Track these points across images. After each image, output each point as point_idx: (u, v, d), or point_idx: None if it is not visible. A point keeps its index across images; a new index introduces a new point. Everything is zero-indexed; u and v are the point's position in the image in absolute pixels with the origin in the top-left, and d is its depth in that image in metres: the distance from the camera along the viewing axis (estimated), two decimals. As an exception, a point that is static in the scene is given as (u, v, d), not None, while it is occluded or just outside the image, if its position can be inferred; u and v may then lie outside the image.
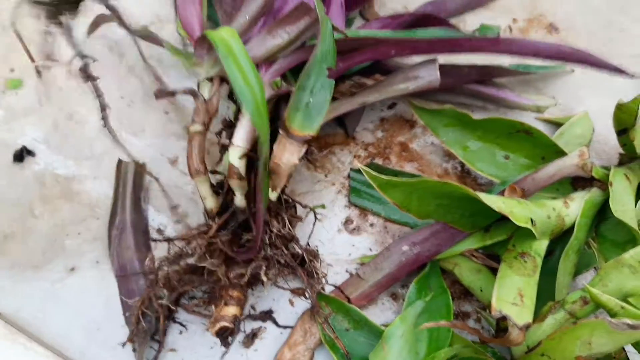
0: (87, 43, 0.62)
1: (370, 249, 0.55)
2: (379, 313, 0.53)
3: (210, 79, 0.49)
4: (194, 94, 0.48)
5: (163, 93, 0.50)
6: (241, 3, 0.50)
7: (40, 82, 0.59)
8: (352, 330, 0.50)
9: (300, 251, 0.51)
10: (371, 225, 0.56)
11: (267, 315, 0.51)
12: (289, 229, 0.49)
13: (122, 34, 0.62)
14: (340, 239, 0.55)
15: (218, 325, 0.46)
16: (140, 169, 0.54)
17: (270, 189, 0.49)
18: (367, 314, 0.51)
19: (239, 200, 0.48)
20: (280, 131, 0.48)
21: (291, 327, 0.51)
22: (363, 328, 0.50)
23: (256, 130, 0.46)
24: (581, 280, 0.54)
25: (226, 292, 0.47)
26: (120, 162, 0.52)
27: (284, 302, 0.52)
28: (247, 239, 0.49)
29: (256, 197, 0.46)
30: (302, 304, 0.52)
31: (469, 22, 0.67)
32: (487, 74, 0.60)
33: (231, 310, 0.47)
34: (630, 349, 0.45)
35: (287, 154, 0.48)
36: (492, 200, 0.44)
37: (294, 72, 0.51)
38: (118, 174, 0.53)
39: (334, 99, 0.51)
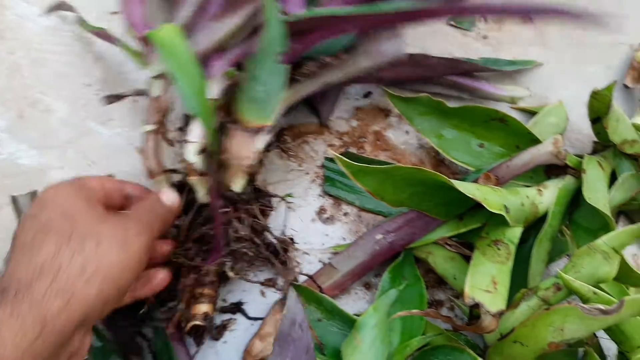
0: (56, 30, 0.60)
1: (344, 238, 0.54)
2: (352, 303, 0.52)
3: (160, 76, 0.47)
4: (142, 93, 0.47)
5: (112, 98, 0.49)
6: None
7: (3, 69, 0.57)
8: (324, 320, 0.49)
9: (273, 241, 0.50)
10: (345, 214, 0.55)
11: (237, 307, 0.50)
12: (257, 219, 0.48)
13: (90, 21, 0.60)
14: (313, 228, 0.55)
15: (190, 325, 0.45)
16: (35, 197, 0.51)
17: (233, 182, 0.48)
18: (340, 304, 0.50)
19: (202, 196, 0.47)
20: (229, 125, 0.47)
21: (262, 319, 0.50)
22: (336, 318, 0.49)
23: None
24: (555, 268, 0.53)
25: (197, 290, 0.46)
26: (14, 198, 0.49)
27: (255, 293, 0.51)
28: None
29: (211, 194, 0.46)
30: (274, 295, 0.51)
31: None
32: (456, 67, 0.59)
33: (202, 307, 0.46)
34: (602, 334, 0.45)
35: (240, 147, 0.47)
36: (466, 188, 0.43)
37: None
38: (17, 210, 0.49)
39: (296, 80, 0.49)
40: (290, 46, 0.47)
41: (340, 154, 0.52)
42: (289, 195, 0.54)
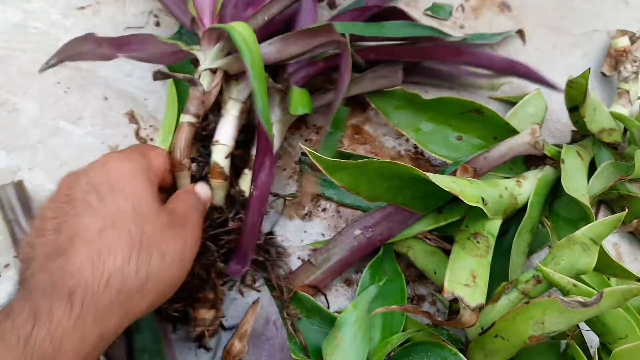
0: (22, 27, 0.58)
1: (323, 234, 0.54)
2: (333, 300, 0.51)
3: (214, 71, 0.46)
4: (193, 82, 0.46)
5: (162, 75, 0.47)
6: (260, 2, 0.49)
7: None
8: (305, 319, 0.49)
9: (270, 248, 0.51)
10: (324, 210, 0.55)
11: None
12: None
13: (56, 18, 0.59)
14: (291, 225, 0.54)
15: (197, 331, 0.45)
16: (19, 187, 0.50)
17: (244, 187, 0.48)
18: (321, 301, 0.50)
19: (219, 199, 0.46)
20: None
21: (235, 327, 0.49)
22: (316, 316, 0.49)
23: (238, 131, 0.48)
24: (536, 259, 0.53)
25: (202, 294, 0.45)
26: None
27: (233, 293, 0.50)
28: (226, 240, 0.47)
29: (250, 206, 0.46)
30: (253, 294, 0.50)
31: (421, 1, 0.66)
32: (444, 47, 0.59)
33: (210, 313, 0.45)
34: (584, 326, 0.45)
35: None
36: (442, 180, 0.43)
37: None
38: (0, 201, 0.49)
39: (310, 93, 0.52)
40: (314, 62, 0.53)
41: (316, 149, 0.51)
42: (293, 195, 0.54)
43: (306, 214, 0.54)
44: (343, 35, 0.48)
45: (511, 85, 0.62)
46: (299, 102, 0.48)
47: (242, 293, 0.50)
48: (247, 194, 0.47)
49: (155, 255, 0.34)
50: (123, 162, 0.37)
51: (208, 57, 0.47)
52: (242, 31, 0.43)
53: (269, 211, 0.53)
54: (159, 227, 0.35)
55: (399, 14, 0.57)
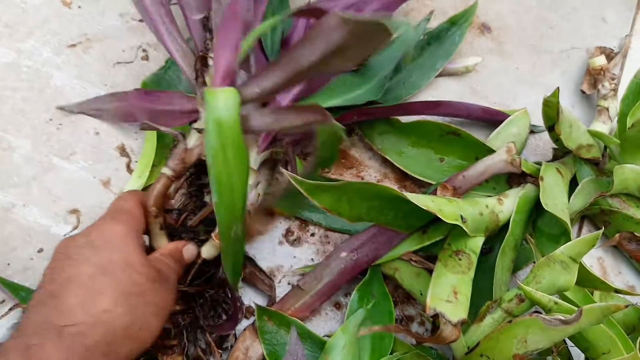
0: (14, 66, 0.60)
1: (312, 259, 0.54)
2: (322, 324, 0.52)
3: (201, 130, 0.46)
4: (177, 138, 0.47)
5: (149, 126, 0.48)
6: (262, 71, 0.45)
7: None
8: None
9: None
10: (312, 235, 0.56)
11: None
12: None
13: (48, 56, 0.60)
14: (281, 251, 0.55)
15: None
16: None
17: None
18: (311, 325, 0.50)
19: (210, 255, 0.47)
20: None
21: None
22: (306, 340, 0.49)
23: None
24: (521, 276, 0.54)
25: (171, 342, 0.46)
26: None
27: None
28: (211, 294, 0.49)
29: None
30: (244, 321, 0.51)
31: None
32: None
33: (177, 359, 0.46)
34: (570, 342, 0.45)
35: None
36: (420, 200, 0.44)
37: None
38: None
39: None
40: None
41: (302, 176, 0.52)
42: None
43: (295, 240, 0.55)
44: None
45: (494, 104, 0.63)
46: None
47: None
48: None
49: (141, 304, 0.37)
50: (117, 224, 0.40)
51: (202, 116, 0.46)
52: (220, 101, 0.38)
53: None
54: (145, 278, 0.38)
55: None
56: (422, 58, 0.62)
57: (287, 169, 0.48)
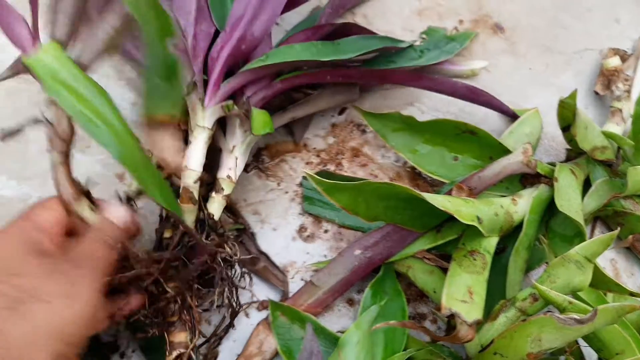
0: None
1: (325, 256, 0.55)
2: (335, 320, 0.52)
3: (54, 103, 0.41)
4: (40, 121, 0.42)
5: (7, 134, 0.46)
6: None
7: (-21, 101, 0.57)
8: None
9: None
10: (325, 231, 0.56)
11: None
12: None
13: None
14: (294, 247, 0.55)
15: (174, 354, 0.45)
16: None
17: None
18: (324, 321, 0.51)
19: (189, 223, 0.47)
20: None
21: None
22: (319, 336, 0.50)
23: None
24: (534, 276, 0.54)
25: (177, 317, 0.46)
26: None
27: (239, 314, 0.51)
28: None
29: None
30: (258, 315, 0.52)
31: (417, 26, 0.67)
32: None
33: (183, 335, 0.46)
34: (582, 342, 0.46)
35: (163, 150, 0.48)
36: (438, 200, 0.44)
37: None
38: None
39: (271, 112, 0.53)
40: (272, 84, 0.52)
41: (317, 173, 0.53)
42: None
43: (308, 236, 0.56)
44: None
45: (508, 103, 0.63)
46: (261, 123, 0.50)
47: (247, 314, 0.52)
48: (216, 217, 0.49)
49: (38, 306, 0.34)
50: (3, 236, 0.38)
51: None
52: (45, 54, 0.38)
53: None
54: (37, 277, 0.35)
55: (354, 29, 0.57)
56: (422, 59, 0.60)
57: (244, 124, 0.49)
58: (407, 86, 0.60)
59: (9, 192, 0.55)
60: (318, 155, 0.59)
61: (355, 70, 0.55)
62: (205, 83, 0.50)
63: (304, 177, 0.57)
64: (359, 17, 0.66)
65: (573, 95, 0.48)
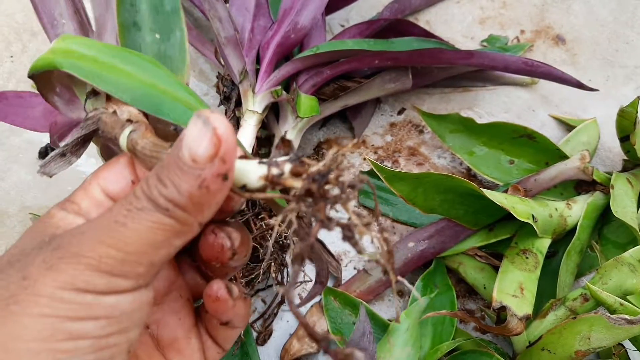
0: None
1: (378, 247, 0.57)
2: (385, 308, 0.54)
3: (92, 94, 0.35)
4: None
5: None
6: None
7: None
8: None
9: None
10: (379, 225, 0.58)
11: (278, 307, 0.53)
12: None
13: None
14: (349, 237, 0.57)
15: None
16: None
17: None
18: (374, 309, 0.53)
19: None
20: None
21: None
22: (370, 321, 0.52)
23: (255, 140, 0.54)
24: (583, 282, 0.55)
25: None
26: None
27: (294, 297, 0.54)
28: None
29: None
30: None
31: (478, 34, 0.69)
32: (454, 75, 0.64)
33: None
34: (629, 346, 0.46)
35: None
36: (495, 196, 0.46)
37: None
38: None
39: (321, 100, 0.57)
40: (321, 71, 0.55)
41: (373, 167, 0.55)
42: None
43: (362, 227, 0.58)
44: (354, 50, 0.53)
45: (565, 114, 0.64)
46: (307, 106, 0.54)
47: (300, 297, 0.54)
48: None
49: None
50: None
51: None
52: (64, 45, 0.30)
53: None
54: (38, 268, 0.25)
55: (408, 27, 0.59)
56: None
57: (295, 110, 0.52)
58: (458, 66, 0.59)
59: (89, 168, 0.59)
60: (375, 152, 0.61)
61: (403, 53, 0.54)
62: (257, 72, 0.55)
63: (362, 172, 0.60)
64: (422, 23, 0.69)
65: (634, 104, 0.49)
